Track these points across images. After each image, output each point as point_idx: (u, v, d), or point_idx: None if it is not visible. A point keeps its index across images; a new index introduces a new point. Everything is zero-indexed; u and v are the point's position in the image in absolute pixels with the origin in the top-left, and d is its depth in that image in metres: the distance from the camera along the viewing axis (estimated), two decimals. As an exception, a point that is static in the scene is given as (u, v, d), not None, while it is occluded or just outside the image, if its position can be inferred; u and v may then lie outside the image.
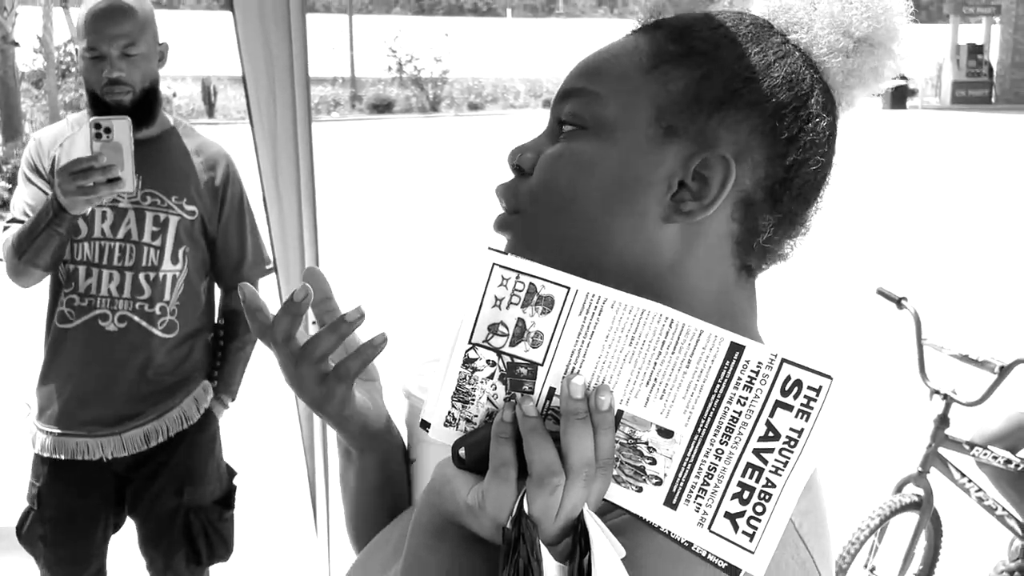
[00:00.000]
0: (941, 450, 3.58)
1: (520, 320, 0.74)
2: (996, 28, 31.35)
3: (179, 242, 2.67)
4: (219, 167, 2.76)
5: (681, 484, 0.74)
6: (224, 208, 2.76)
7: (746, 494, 0.72)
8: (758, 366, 0.70)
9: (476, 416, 0.77)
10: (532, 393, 0.75)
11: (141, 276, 2.63)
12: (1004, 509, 3.64)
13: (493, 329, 0.74)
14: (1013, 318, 7.63)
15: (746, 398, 0.71)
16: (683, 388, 0.72)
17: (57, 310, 2.67)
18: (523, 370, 0.75)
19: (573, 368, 0.74)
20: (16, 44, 17.00)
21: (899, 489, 3.62)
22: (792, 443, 0.70)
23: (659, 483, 0.74)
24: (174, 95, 24.37)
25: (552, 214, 0.86)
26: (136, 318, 2.65)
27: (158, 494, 2.78)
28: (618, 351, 0.73)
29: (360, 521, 1.08)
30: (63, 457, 2.70)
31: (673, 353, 0.72)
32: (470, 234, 10.04)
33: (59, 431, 2.70)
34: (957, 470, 3.63)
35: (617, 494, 0.75)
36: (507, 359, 0.75)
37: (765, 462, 0.71)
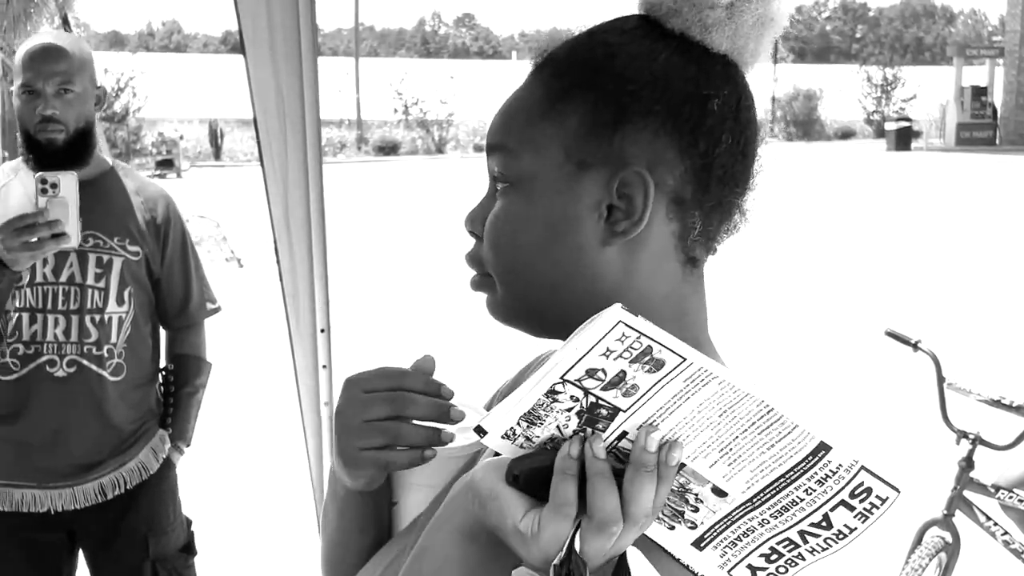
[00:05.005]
0: (966, 493, 3.55)
1: (622, 371, 0.73)
2: (1000, 70, 31.51)
3: (124, 283, 2.60)
4: (159, 207, 2.69)
5: (714, 534, 0.77)
6: (167, 248, 2.70)
7: (774, 556, 0.76)
8: (837, 467, 0.73)
9: (538, 437, 0.77)
10: (603, 431, 0.75)
11: (87, 319, 2.56)
12: (1029, 552, 3.59)
13: (591, 373, 0.73)
14: (1025, 360, 7.57)
15: (815, 490, 0.74)
16: (755, 463, 0.74)
17: None
18: (603, 411, 0.75)
19: (653, 422, 0.74)
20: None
21: (922, 533, 3.57)
22: (841, 536, 0.75)
23: (693, 528, 0.77)
24: (181, 137, 24.53)
25: (506, 272, 0.92)
26: (85, 361, 2.57)
27: (123, 548, 2.70)
28: (704, 418, 0.73)
29: (337, 562, 1.08)
30: (7, 509, 2.60)
31: (759, 434, 0.73)
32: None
33: (3, 482, 2.61)
34: (982, 513, 3.58)
35: (649, 527, 0.77)
36: (592, 399, 0.74)
37: (805, 542, 0.75)
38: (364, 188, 19.99)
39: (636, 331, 0.72)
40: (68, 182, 2.38)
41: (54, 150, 2.50)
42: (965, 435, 3.50)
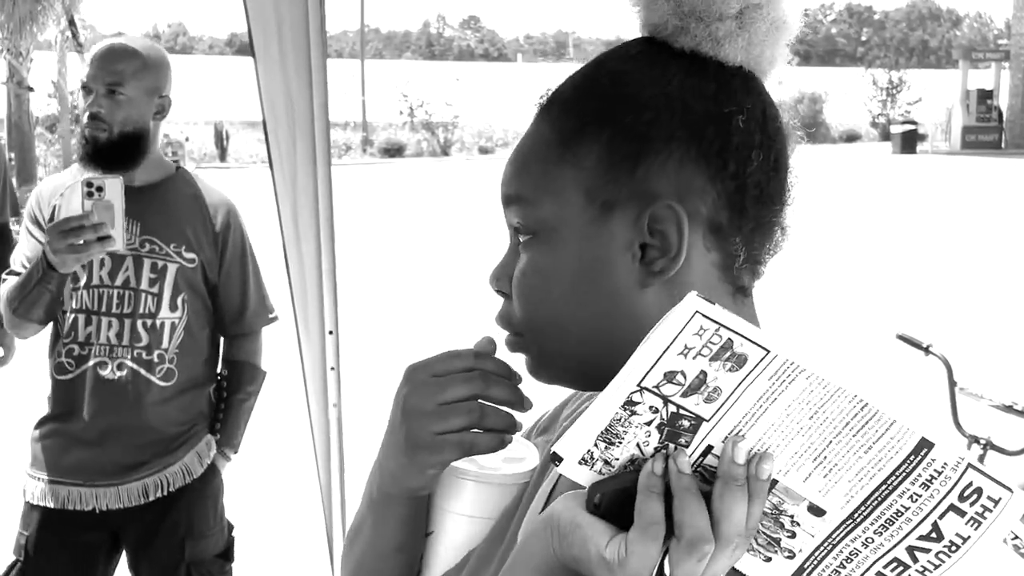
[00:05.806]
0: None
1: (702, 372, 0.67)
2: (1005, 73, 31.49)
3: (178, 289, 2.62)
4: (219, 214, 2.70)
5: (815, 562, 0.70)
6: (225, 256, 2.71)
7: None
8: (942, 467, 0.66)
9: (617, 459, 0.71)
10: (687, 447, 0.69)
11: (139, 323, 2.59)
12: (1038, 559, 3.57)
13: (669, 376, 0.67)
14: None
15: (920, 495, 0.67)
16: (852, 472, 0.67)
17: (56, 361, 2.63)
18: (685, 423, 0.69)
19: (739, 431, 0.68)
20: (31, 89, 17.16)
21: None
22: (954, 548, 0.67)
23: (791, 557, 0.70)
24: (187, 139, 24.58)
25: (541, 329, 0.86)
26: (135, 365, 2.59)
27: (160, 549, 2.72)
28: (794, 422, 0.67)
29: None
30: (52, 505, 2.63)
31: (854, 436, 0.66)
32: (483, 277, 10.02)
33: (50, 478, 2.64)
34: (991, 519, 3.56)
35: (743, 560, 0.71)
36: (672, 408, 0.68)
37: (915, 560, 0.68)
38: (370, 190, 20.00)
39: (715, 322, 0.66)
40: (113, 186, 2.40)
41: (97, 148, 2.54)
42: (976, 440, 3.48)
